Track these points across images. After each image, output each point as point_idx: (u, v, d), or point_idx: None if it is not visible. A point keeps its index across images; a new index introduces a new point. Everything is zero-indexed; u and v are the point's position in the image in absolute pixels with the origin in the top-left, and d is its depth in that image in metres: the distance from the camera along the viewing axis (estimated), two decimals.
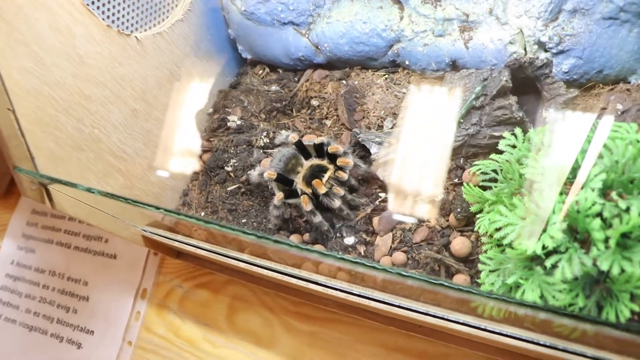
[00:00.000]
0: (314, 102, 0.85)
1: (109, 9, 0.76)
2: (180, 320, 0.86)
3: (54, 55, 0.66)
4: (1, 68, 0.60)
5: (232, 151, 0.83)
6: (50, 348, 0.97)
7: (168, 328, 0.87)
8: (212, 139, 0.87)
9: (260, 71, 0.94)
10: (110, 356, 0.90)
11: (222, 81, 0.94)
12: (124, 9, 0.78)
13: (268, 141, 0.82)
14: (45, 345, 0.98)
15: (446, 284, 0.50)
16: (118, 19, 0.78)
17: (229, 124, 0.86)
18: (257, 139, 0.83)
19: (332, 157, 0.72)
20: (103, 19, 0.73)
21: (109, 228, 0.76)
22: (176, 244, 0.78)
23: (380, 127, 0.79)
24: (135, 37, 0.78)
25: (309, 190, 0.70)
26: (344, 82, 0.86)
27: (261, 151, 0.82)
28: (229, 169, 0.82)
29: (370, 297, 0.64)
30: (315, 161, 0.73)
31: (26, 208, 1.14)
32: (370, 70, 0.87)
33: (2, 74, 0.61)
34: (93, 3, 0.74)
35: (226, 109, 0.89)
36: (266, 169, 0.74)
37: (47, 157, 0.66)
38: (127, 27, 0.79)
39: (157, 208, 0.60)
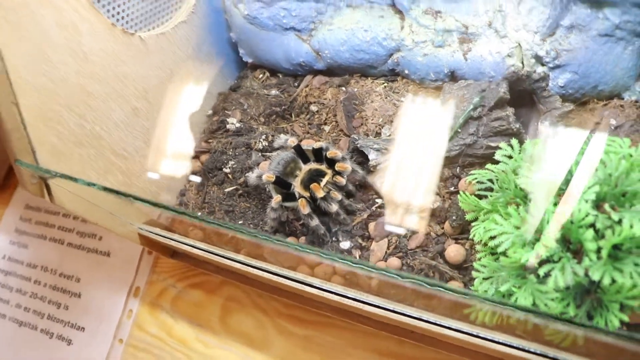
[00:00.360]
0: (313, 108, 0.86)
1: (114, 8, 0.77)
2: (173, 319, 0.87)
3: (60, 52, 0.67)
4: (7, 63, 0.61)
5: (230, 153, 0.84)
6: (40, 344, 0.97)
7: (160, 327, 0.87)
8: (210, 141, 0.88)
9: (261, 75, 0.95)
10: (101, 353, 0.91)
11: (222, 83, 0.95)
12: (128, 8, 0.79)
13: (267, 144, 0.83)
14: (35, 340, 0.98)
15: (440, 286, 0.51)
16: (123, 17, 0.79)
17: (228, 126, 0.87)
18: (255, 142, 0.84)
19: (331, 162, 0.73)
20: (108, 17, 0.74)
21: (107, 225, 0.76)
22: (172, 243, 0.79)
23: (378, 134, 0.80)
24: (139, 36, 0.78)
25: (306, 194, 0.71)
26: (343, 88, 0.87)
27: (260, 154, 0.83)
28: (227, 170, 0.83)
29: (364, 300, 0.65)
30: (313, 165, 0.75)
31: (20, 203, 1.14)
32: (369, 78, 0.88)
33: (8, 69, 0.61)
34: (99, 1, 0.75)
35: (226, 112, 0.90)
36: (265, 172, 0.75)
37: (48, 151, 0.67)
38: (131, 27, 0.80)
39: (156, 205, 0.61)
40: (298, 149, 0.76)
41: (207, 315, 0.85)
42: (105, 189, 0.65)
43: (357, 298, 0.65)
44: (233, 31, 0.94)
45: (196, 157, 0.88)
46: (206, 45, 0.91)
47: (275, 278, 0.71)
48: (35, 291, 1.03)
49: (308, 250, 0.55)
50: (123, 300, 0.92)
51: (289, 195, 0.74)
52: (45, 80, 0.66)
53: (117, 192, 0.64)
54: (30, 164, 0.65)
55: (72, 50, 0.69)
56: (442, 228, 0.68)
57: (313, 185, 0.70)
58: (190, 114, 0.89)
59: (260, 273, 0.71)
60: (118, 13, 0.78)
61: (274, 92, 0.91)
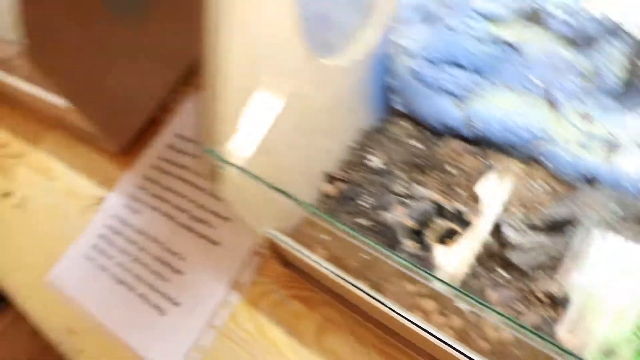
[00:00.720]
0: (450, 169, 0.95)
1: (312, 30, 0.87)
2: (269, 322, 0.96)
3: (265, 63, 0.77)
4: (224, 65, 0.72)
5: (367, 188, 0.94)
6: (134, 306, 1.07)
7: (255, 325, 0.96)
8: (349, 171, 0.98)
9: (406, 124, 1.04)
10: (192, 332, 1.00)
11: (368, 121, 1.05)
12: (323, 33, 0.89)
13: (405, 190, 0.92)
14: (129, 301, 1.08)
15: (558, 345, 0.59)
16: (316, 40, 0.88)
17: (369, 163, 0.97)
18: (394, 185, 0.93)
19: (467, 225, 0.82)
20: (304, 39, 0.84)
21: (248, 219, 0.86)
22: (296, 254, 0.88)
23: (506, 210, 0.88)
24: (321, 61, 0.89)
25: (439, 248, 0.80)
26: (481, 159, 0.96)
27: (397, 198, 0.92)
28: (362, 203, 0.92)
29: (470, 356, 0.72)
30: (449, 223, 0.83)
31: (140, 171, 1.26)
32: (508, 156, 0.96)
33: (223, 71, 0.72)
34: (302, 21, 0.84)
35: (368, 149, 1.00)
36: (402, 216, 0.84)
37: (228, 144, 0.77)
38: (319, 51, 0.89)
39: (330, 218, 0.70)
40: (437, 204, 0.85)
41: (303, 328, 0.93)
42: (274, 187, 0.75)
43: (465, 352, 0.73)
44: (392, 77, 1.04)
45: (331, 182, 0.98)
46: (365, 83, 1.01)
47: (384, 309, 0.79)
48: (140, 257, 1.13)
49: (452, 286, 0.63)
50: (224, 290, 1.02)
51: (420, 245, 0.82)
52: (242, 84, 0.76)
53: (285, 193, 0.73)
54: (214, 151, 0.75)
55: (270, 61, 0.79)
56: (557, 315, 0.76)
57: (449, 241, 0.79)
58: (336, 141, 0.99)
59: (372, 301, 0.80)
60: (313, 35, 0.88)
61: (416, 143, 1.00)
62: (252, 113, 0.79)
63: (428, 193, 0.87)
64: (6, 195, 1.39)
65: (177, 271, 1.08)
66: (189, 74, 1.39)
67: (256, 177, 0.74)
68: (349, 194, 0.94)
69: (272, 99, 0.82)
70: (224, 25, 0.71)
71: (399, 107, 1.05)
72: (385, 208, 0.91)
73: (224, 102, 0.74)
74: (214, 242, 1.08)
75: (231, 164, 0.74)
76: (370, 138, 1.02)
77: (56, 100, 1.29)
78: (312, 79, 0.89)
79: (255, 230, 0.88)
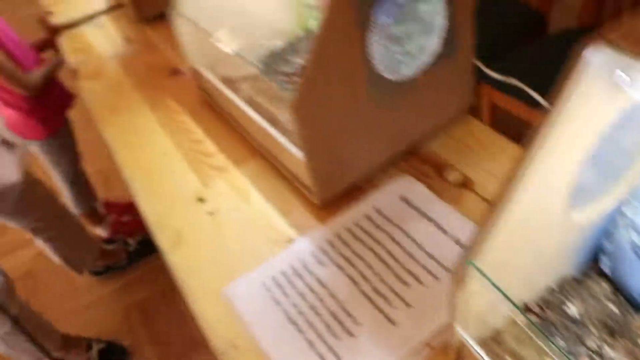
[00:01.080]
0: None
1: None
2: None
3: (537, 209, 0.92)
4: (511, 209, 0.87)
5: (560, 331, 1.06)
6: (301, 349, 1.22)
7: None
8: (545, 309, 1.11)
9: (606, 286, 1.16)
10: None
11: (572, 271, 1.18)
12: (580, 193, 1.03)
13: (596, 348, 1.04)
14: (297, 342, 1.23)
15: None
16: (572, 197, 1.02)
17: (566, 309, 1.10)
18: (587, 339, 1.05)
19: None
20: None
21: (458, 320, 1.00)
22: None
23: None
24: (573, 215, 1.03)
25: None
26: None
27: (588, 352, 1.04)
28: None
29: None
30: None
31: (334, 230, 1.43)
32: None
33: (507, 212, 0.87)
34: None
35: (568, 295, 1.13)
36: None
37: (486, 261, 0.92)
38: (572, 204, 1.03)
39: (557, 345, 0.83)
40: None
41: None
42: (513, 302, 0.89)
43: None
44: (610, 242, 1.17)
45: (528, 311, 1.11)
46: (585, 238, 1.15)
47: None
48: (315, 304, 1.29)
49: None
50: None
51: None
52: (514, 222, 0.91)
53: (519, 309, 0.87)
54: (474, 263, 0.91)
55: (541, 210, 0.94)
56: None
57: None
58: (542, 279, 1.13)
59: None
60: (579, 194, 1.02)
61: (612, 307, 1.12)
62: (506, 241, 0.94)
63: (620, 359, 0.98)
64: (201, 200, 1.60)
65: (349, 333, 1.23)
66: (398, 158, 1.57)
67: (501, 292, 0.89)
68: (543, 328, 1.07)
69: (524, 234, 0.97)
70: (524, 181, 0.87)
71: (605, 269, 1.18)
72: (575, 357, 1.03)
73: (496, 233, 0.90)
74: (391, 321, 1.23)
75: (487, 279, 0.89)
76: (571, 286, 1.15)
77: (277, 136, 1.50)
78: (557, 224, 1.03)
79: (452, 329, 1.02)
